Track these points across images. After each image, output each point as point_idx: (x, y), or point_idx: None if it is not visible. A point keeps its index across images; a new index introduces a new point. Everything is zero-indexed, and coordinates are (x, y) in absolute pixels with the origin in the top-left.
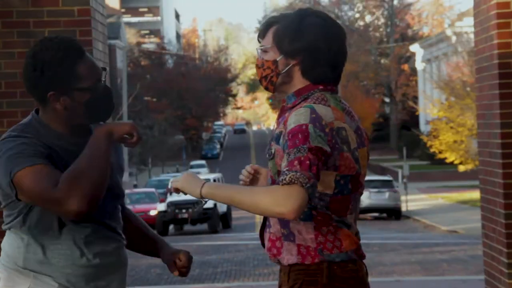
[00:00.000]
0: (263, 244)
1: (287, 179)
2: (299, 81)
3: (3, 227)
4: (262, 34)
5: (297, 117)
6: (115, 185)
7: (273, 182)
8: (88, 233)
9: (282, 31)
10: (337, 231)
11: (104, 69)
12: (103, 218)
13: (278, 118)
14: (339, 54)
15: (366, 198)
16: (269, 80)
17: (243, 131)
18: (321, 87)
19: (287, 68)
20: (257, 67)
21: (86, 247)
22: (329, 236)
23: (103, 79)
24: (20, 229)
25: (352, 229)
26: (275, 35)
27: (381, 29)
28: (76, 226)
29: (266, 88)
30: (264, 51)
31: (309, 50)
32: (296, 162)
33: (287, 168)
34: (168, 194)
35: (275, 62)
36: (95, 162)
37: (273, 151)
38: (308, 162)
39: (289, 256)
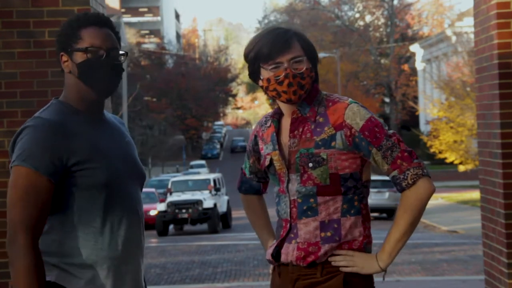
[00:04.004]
0: (276, 257)
1: (409, 182)
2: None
3: None
4: (287, 46)
5: (357, 114)
6: (138, 165)
7: (319, 188)
8: (116, 217)
9: (311, 43)
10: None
11: (125, 53)
12: (134, 204)
13: (294, 130)
14: None
15: None
16: (306, 89)
17: (243, 148)
18: (319, 89)
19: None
20: (295, 77)
21: (116, 231)
22: (369, 231)
23: (118, 59)
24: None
25: None
26: (307, 46)
27: (381, 29)
28: (110, 212)
29: (299, 98)
30: (299, 61)
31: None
32: (399, 162)
33: (396, 170)
34: (168, 194)
35: (312, 69)
36: None
37: (324, 157)
38: (406, 153)
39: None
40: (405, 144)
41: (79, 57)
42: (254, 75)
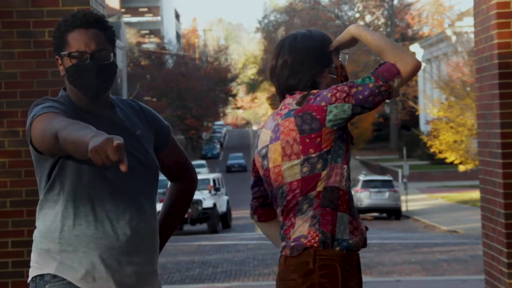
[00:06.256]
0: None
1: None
2: None
3: (41, 198)
4: None
5: None
6: (142, 158)
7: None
8: (118, 208)
9: None
10: None
11: (113, 52)
12: (136, 197)
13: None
14: None
15: (366, 198)
16: None
17: (242, 168)
18: None
19: None
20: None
21: (116, 221)
22: None
23: (106, 59)
24: (55, 201)
25: None
26: None
27: (381, 29)
28: (109, 199)
29: None
30: None
31: None
32: None
33: None
34: None
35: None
36: None
37: None
38: None
39: None
40: None
41: (67, 62)
42: (324, 62)
